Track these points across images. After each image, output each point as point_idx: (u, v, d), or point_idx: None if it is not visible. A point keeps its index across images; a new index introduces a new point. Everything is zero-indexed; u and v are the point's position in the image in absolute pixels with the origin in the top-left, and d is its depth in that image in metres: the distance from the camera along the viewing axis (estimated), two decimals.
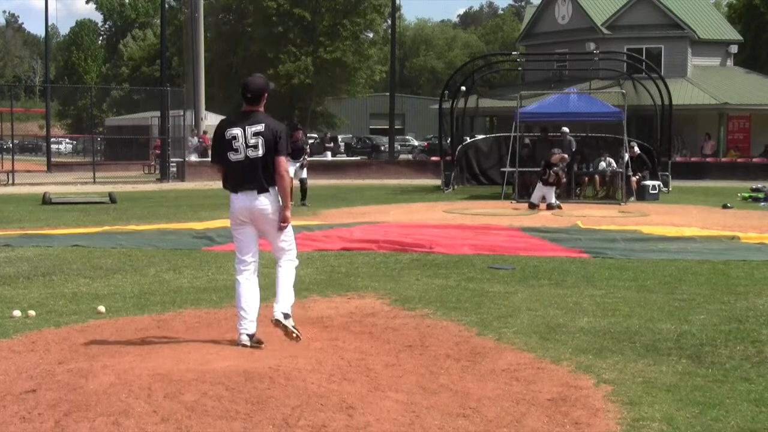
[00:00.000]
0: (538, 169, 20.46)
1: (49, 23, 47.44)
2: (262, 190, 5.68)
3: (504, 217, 15.54)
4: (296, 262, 5.99)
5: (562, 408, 4.52)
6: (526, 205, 18.30)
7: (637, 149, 21.79)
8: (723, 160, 34.14)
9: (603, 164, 21.16)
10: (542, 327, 6.49)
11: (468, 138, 25.48)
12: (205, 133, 33.39)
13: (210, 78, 33.46)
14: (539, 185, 18.32)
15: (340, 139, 59.53)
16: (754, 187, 23.12)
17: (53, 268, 9.50)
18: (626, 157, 20.46)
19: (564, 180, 18.90)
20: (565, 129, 21.81)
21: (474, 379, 5.04)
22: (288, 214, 5.81)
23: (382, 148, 51.89)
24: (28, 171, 32.61)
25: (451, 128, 27.53)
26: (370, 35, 55.90)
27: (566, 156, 19.04)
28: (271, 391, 4.56)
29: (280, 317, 5.71)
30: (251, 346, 5.60)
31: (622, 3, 40.87)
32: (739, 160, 33.57)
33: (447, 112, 27.78)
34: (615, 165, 20.58)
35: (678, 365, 5.43)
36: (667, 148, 25.44)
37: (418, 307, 7.30)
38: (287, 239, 5.90)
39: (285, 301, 5.79)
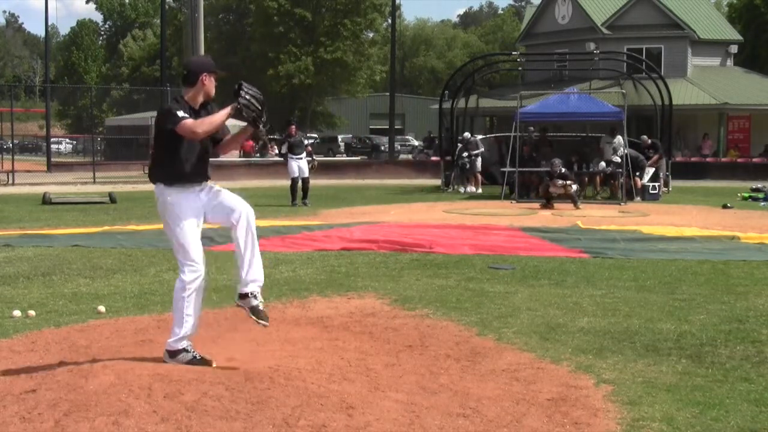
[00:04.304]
0: (538, 169, 20.51)
1: (49, 23, 47.48)
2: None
3: (504, 217, 15.53)
4: (187, 288, 5.15)
5: (562, 408, 4.52)
6: (532, 204, 18.43)
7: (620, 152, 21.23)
8: (723, 160, 34.16)
9: (603, 164, 21.16)
10: (542, 327, 6.49)
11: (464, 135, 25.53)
12: None
13: None
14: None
15: (340, 139, 59.60)
16: (754, 187, 23.14)
17: (53, 268, 9.50)
18: (621, 152, 20.47)
19: (571, 189, 18.66)
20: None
21: (474, 379, 5.04)
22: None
23: (382, 148, 51.94)
24: (28, 171, 32.64)
25: (451, 128, 27.55)
26: (371, 35, 55.93)
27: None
28: (271, 391, 4.56)
29: (165, 357, 5.16)
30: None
31: (622, 3, 40.90)
32: (739, 160, 33.58)
33: (447, 112, 27.79)
34: (619, 149, 20.48)
35: (678, 365, 5.42)
36: (668, 148, 25.45)
37: (418, 307, 7.30)
38: (171, 239, 5.26)
39: (175, 329, 5.16)
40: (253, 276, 5.13)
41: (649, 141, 22.78)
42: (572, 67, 37.69)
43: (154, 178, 5.24)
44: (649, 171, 21.31)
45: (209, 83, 5.27)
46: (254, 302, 5.13)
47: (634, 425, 4.28)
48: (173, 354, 5.15)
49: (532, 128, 22.84)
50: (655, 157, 22.01)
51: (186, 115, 5.09)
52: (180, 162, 5.14)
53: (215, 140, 5.32)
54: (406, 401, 4.56)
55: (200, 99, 5.28)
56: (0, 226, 14.13)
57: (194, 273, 5.17)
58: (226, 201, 5.20)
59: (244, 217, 5.11)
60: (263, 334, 5.91)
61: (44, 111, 46.33)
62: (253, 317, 5.14)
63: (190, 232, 5.17)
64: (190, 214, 5.16)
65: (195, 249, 5.19)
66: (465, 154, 24.34)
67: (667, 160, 24.22)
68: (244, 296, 5.16)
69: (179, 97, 5.32)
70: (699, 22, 41.51)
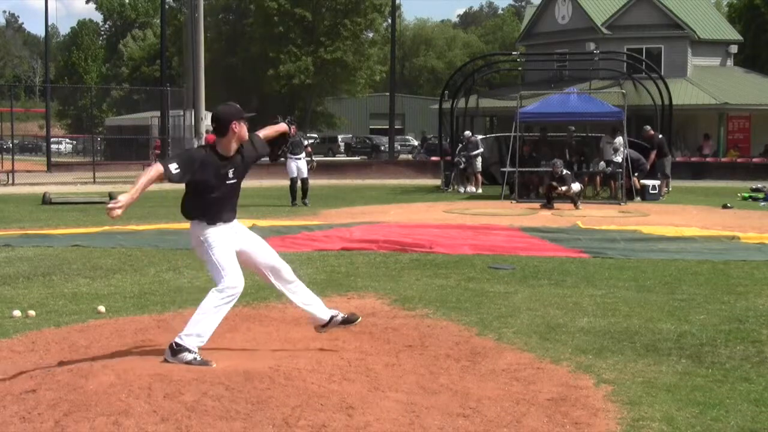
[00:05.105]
0: (539, 169, 20.49)
1: (49, 23, 47.47)
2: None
3: (504, 217, 15.53)
4: (222, 294, 5.26)
5: (562, 408, 4.52)
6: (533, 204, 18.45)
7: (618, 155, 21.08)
8: (723, 160, 34.14)
9: (603, 164, 21.14)
10: (542, 327, 6.49)
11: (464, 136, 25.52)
12: (207, 132, 33.44)
13: (210, 78, 33.67)
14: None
15: (340, 139, 59.62)
16: (754, 187, 23.11)
17: (53, 268, 9.50)
18: (621, 154, 20.44)
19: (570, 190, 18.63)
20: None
21: (474, 379, 5.04)
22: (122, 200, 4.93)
23: (382, 148, 51.96)
24: (28, 171, 32.61)
25: (451, 128, 27.54)
26: (371, 35, 55.93)
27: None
28: (271, 391, 4.56)
29: (167, 354, 5.21)
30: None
31: (622, 3, 40.88)
32: (739, 160, 33.56)
33: (447, 112, 27.79)
34: (620, 149, 20.45)
35: (678, 365, 5.43)
36: (668, 147, 25.39)
37: (418, 307, 7.30)
38: (209, 265, 5.41)
39: (189, 328, 5.25)
40: (320, 310, 5.75)
41: (651, 132, 22.64)
42: (572, 67, 37.68)
43: (189, 216, 5.43)
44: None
45: (240, 129, 5.39)
46: (341, 317, 5.81)
47: (634, 425, 4.28)
48: (175, 351, 5.16)
49: (572, 128, 22.73)
50: (653, 154, 21.89)
51: (175, 172, 5.13)
52: (213, 206, 5.36)
53: (260, 156, 5.76)
54: (406, 401, 4.56)
55: (234, 146, 5.43)
56: (0, 226, 14.13)
57: (231, 289, 5.29)
58: (261, 252, 5.54)
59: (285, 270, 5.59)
60: (263, 334, 5.91)
61: (44, 111, 46.32)
62: (346, 325, 5.86)
63: (228, 253, 5.34)
64: (227, 240, 5.38)
65: (233, 267, 5.33)
66: (463, 153, 24.33)
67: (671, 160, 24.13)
68: (326, 324, 5.79)
69: (208, 147, 5.44)
70: (699, 22, 41.49)
